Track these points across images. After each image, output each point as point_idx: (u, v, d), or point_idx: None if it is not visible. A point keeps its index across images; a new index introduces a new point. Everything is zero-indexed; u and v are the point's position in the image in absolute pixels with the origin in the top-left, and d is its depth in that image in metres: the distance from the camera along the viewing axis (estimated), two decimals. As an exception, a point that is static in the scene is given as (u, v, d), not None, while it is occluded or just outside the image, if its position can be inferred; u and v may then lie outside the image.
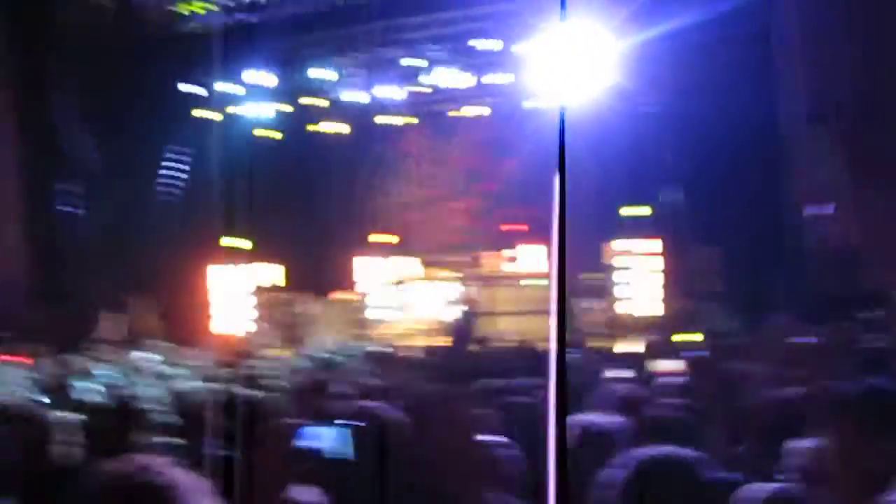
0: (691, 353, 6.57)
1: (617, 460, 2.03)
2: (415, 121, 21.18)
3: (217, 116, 19.91)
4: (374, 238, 21.17)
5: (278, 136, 20.63)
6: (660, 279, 17.36)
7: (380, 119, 20.81)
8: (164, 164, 18.87)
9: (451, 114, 20.93)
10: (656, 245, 17.40)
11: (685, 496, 1.89)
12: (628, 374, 6.73)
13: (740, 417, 4.94)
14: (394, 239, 21.47)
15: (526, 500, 2.47)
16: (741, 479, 2.65)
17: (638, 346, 11.52)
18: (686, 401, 4.14)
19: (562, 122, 1.89)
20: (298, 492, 3.03)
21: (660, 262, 17.36)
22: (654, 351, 9.65)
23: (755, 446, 3.46)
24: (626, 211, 17.36)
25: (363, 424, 2.70)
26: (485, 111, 20.51)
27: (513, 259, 19.78)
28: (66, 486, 1.83)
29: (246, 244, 19.16)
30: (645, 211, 16.97)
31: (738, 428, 4.73)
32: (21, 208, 17.54)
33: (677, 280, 16.93)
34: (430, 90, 19.66)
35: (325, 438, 3.07)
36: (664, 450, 2.02)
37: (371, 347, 12.24)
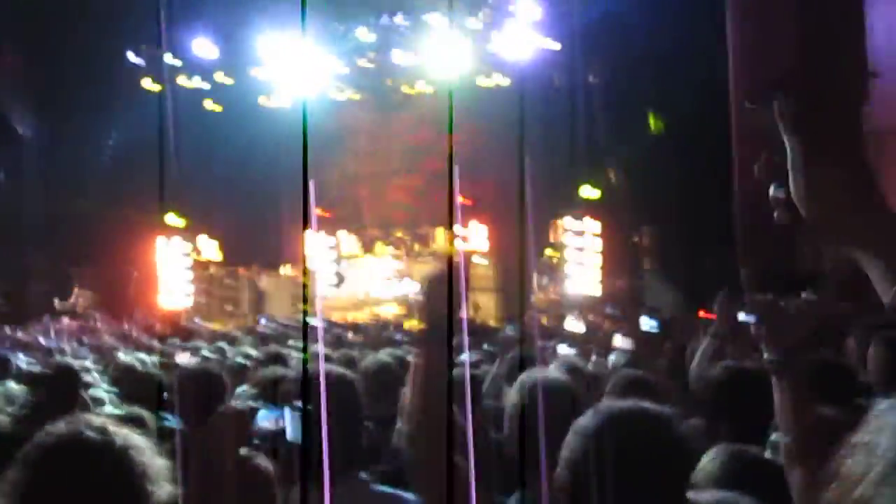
0: (638, 330, 6.63)
1: (588, 412, 2.03)
2: (359, 96, 21.03)
3: (160, 88, 19.60)
4: (319, 213, 21.03)
5: (220, 108, 20.36)
6: (601, 258, 17.51)
7: (324, 93, 20.61)
8: (106, 135, 18.52)
9: (396, 90, 20.81)
10: (598, 225, 17.55)
11: (659, 448, 1.91)
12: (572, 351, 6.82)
13: (685, 391, 5.04)
14: (339, 214, 21.38)
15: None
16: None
17: (580, 325, 11.65)
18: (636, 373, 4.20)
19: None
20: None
21: (602, 242, 17.51)
22: (598, 328, 9.78)
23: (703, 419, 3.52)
24: (572, 190, 17.46)
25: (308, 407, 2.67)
26: (430, 88, 20.42)
27: (465, 237, 19.80)
28: (15, 449, 1.79)
29: (188, 218, 18.95)
30: (591, 190, 17.08)
31: (685, 401, 4.82)
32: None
33: (620, 259, 17.11)
34: (375, 65, 19.54)
35: (278, 421, 3.04)
36: (635, 403, 2.04)
37: (313, 321, 12.16)
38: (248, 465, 2.88)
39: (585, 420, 2.03)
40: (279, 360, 5.92)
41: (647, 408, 2.03)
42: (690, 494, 1.92)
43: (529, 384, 2.83)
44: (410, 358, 6.09)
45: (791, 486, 2.24)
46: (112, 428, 1.80)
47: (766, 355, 2.40)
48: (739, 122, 14.67)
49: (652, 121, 15.26)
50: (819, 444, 2.17)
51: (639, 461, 1.90)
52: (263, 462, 2.94)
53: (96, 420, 1.83)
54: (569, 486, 1.97)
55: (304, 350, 7.28)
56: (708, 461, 2.67)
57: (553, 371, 3.02)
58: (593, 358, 5.80)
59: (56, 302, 17.19)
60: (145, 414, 3.84)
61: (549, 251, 18.27)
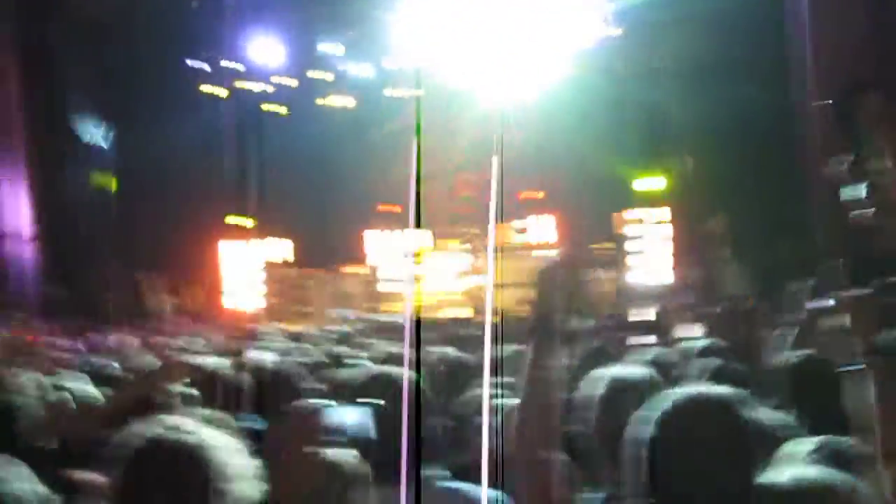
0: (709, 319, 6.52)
1: (649, 403, 2.00)
2: (422, 93, 21.04)
3: (223, 92, 19.90)
4: (384, 211, 21.14)
5: (284, 110, 20.59)
6: (671, 247, 17.28)
7: (384, 92, 20.71)
8: (171, 141, 18.82)
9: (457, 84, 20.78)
10: (667, 213, 17.32)
11: (723, 432, 1.86)
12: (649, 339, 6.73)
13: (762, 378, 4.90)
14: (403, 211, 21.42)
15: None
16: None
17: (650, 314, 11.52)
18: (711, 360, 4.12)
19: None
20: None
21: (671, 230, 17.28)
22: (669, 317, 9.64)
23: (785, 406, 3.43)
24: (637, 179, 17.27)
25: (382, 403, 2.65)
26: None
27: (524, 230, 19.72)
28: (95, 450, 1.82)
29: (254, 220, 19.20)
30: (656, 179, 16.88)
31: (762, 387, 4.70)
32: (31, 188, 17.58)
33: (689, 248, 16.87)
34: (434, 62, 19.53)
35: (350, 418, 3.03)
36: (699, 388, 1.99)
37: (384, 318, 12.26)
38: (323, 461, 2.87)
39: (650, 408, 2.00)
40: (350, 358, 5.94)
41: (710, 393, 1.98)
42: (768, 475, 1.86)
43: (608, 379, 2.79)
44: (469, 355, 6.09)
45: (883, 484, 2.18)
46: (188, 427, 1.81)
47: (857, 350, 2.34)
48: (816, 110, 14.37)
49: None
50: None
51: (701, 446, 1.86)
52: (340, 457, 2.94)
53: (171, 420, 1.84)
54: (636, 473, 1.96)
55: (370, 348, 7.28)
56: (792, 447, 2.58)
57: (631, 366, 2.96)
58: (669, 348, 5.71)
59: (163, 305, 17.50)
60: (224, 415, 3.86)
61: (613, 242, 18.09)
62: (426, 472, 2.75)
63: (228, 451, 1.79)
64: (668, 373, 3.77)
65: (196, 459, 1.73)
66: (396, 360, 5.04)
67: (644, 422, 1.96)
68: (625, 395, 2.63)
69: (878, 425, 2.21)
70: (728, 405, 1.93)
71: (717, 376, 3.93)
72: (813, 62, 14.23)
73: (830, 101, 13.78)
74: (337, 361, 6.02)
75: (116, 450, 1.78)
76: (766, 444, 1.91)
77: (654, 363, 3.80)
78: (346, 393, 4.01)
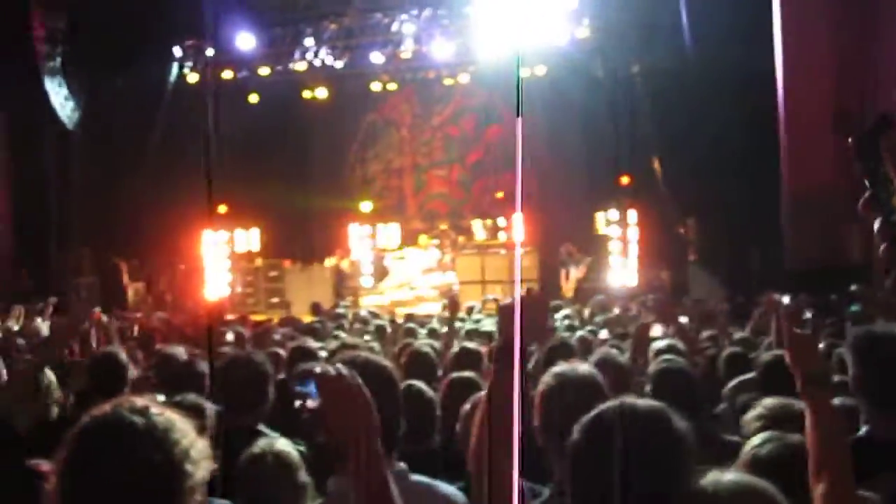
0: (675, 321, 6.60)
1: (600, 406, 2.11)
2: (398, 87, 21.08)
3: (201, 79, 19.82)
4: (362, 205, 21.16)
5: (257, 99, 20.50)
6: (640, 249, 17.42)
7: (363, 85, 20.71)
8: (151, 126, 18.74)
9: (435, 81, 20.85)
10: (637, 215, 17.45)
11: (645, 443, 1.98)
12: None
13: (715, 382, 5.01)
14: (378, 206, 21.46)
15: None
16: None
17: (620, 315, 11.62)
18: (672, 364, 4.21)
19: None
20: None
21: (641, 233, 17.41)
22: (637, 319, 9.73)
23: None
24: (612, 181, 17.39)
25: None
26: (468, 79, 20.42)
27: (500, 228, 19.80)
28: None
29: (230, 210, 19.14)
30: (628, 181, 17.01)
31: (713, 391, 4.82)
32: (5, 175, 17.50)
33: (657, 249, 17.01)
34: (413, 57, 19.56)
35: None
36: (627, 401, 2.11)
37: (362, 313, 12.30)
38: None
39: (591, 416, 2.12)
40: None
41: (638, 405, 2.10)
42: (710, 476, 1.95)
43: (555, 377, 2.87)
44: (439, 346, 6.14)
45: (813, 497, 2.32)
46: (154, 409, 1.86)
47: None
48: (789, 120, 14.60)
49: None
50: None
51: (630, 456, 1.97)
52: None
53: (139, 401, 1.88)
54: (570, 479, 2.08)
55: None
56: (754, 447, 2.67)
57: (581, 364, 3.03)
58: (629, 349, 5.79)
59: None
60: (193, 399, 3.89)
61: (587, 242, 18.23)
62: (388, 465, 2.81)
63: (185, 432, 1.82)
64: (620, 375, 3.85)
65: (150, 439, 1.76)
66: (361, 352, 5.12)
67: (579, 429, 2.08)
68: (565, 393, 2.72)
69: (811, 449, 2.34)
70: (653, 416, 2.02)
71: (671, 379, 4.03)
72: (783, 79, 14.49)
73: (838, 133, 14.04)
74: (303, 353, 6.05)
75: (74, 431, 1.81)
76: (690, 454, 2.00)
77: (604, 363, 3.88)
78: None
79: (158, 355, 6.12)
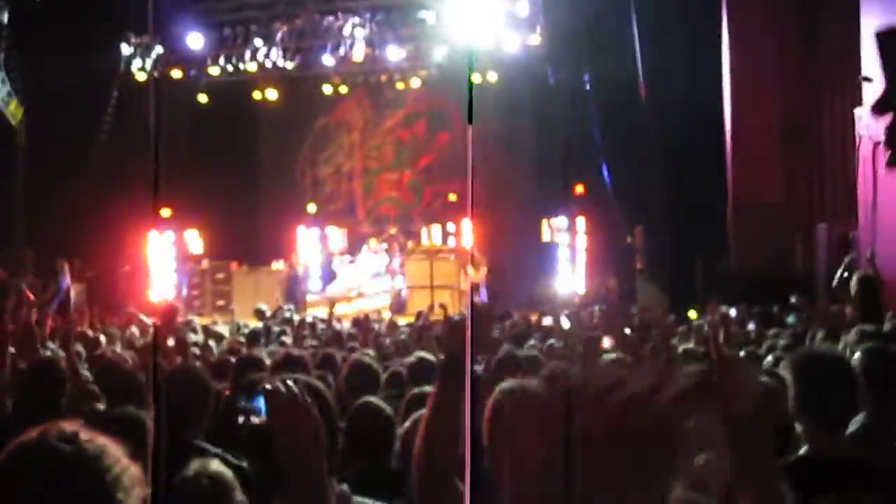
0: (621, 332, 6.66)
1: None
2: (349, 90, 21.00)
3: (148, 79, 19.56)
4: (308, 208, 21.04)
5: (207, 99, 20.31)
6: (587, 256, 17.55)
7: (315, 87, 20.60)
8: (97, 124, 18.46)
9: (387, 85, 20.79)
10: (585, 223, 17.59)
11: None
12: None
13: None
14: (327, 209, 21.36)
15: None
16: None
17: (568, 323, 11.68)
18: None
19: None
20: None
21: (588, 240, 17.55)
22: (585, 326, 9.80)
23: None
24: (561, 188, 17.49)
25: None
26: (420, 83, 20.42)
27: (449, 234, 19.79)
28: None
29: (177, 211, 18.92)
30: (578, 189, 17.13)
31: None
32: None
33: (605, 258, 17.14)
34: (365, 60, 19.49)
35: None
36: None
37: (307, 317, 12.22)
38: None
39: None
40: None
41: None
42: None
43: (499, 394, 2.86)
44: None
45: None
46: (83, 436, 1.80)
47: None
48: (734, 131, 14.84)
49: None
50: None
51: None
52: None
53: (69, 427, 1.82)
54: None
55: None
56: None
57: (529, 381, 3.02)
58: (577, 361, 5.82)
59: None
60: (132, 412, 3.82)
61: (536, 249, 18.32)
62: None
63: (117, 459, 1.77)
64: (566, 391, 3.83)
65: (79, 468, 1.71)
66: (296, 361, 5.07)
67: None
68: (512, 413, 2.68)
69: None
70: None
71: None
72: (731, 91, 14.73)
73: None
74: (250, 363, 5.98)
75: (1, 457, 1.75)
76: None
77: (554, 379, 3.86)
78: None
79: (102, 362, 6.02)
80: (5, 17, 17.13)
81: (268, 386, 2.06)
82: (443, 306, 10.89)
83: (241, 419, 3.21)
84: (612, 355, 5.73)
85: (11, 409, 4.90)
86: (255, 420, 2.88)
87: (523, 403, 2.77)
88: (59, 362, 5.04)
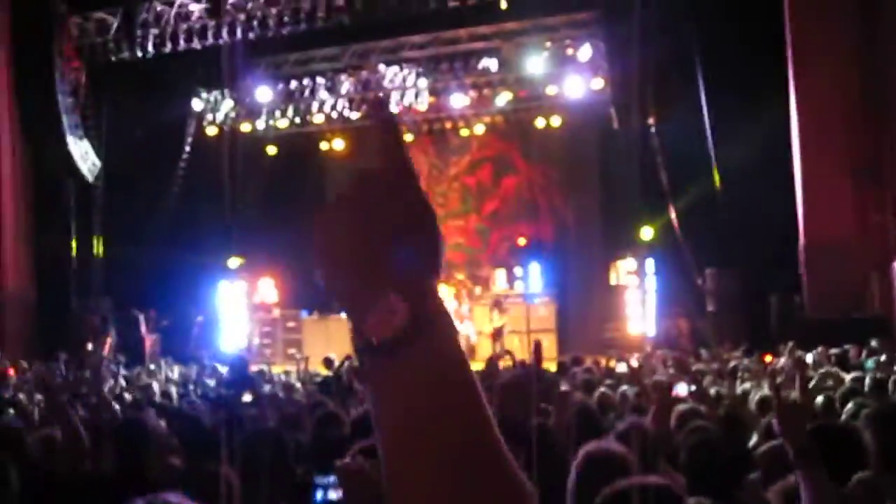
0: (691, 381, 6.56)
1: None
2: (414, 138, 21.24)
3: (216, 131, 20.06)
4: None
5: (275, 151, 20.78)
6: (658, 298, 17.35)
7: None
8: (170, 178, 18.94)
9: (452, 132, 21.00)
10: (653, 265, 17.41)
11: None
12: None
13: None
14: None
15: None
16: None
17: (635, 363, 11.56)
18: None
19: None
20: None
21: (658, 283, 17.35)
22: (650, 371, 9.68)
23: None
24: (628, 231, 17.38)
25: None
26: (484, 129, 20.59)
27: (517, 278, 19.71)
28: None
29: (247, 261, 19.25)
30: (648, 231, 17.00)
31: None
32: (30, 227, 17.73)
33: (675, 300, 16.93)
34: (429, 108, 19.75)
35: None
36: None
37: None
38: None
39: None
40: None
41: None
42: None
43: (583, 458, 2.85)
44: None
45: None
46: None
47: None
48: (804, 170, 14.65)
49: (716, 175, 15.25)
50: None
51: None
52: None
53: (173, 499, 1.90)
54: None
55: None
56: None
57: (609, 441, 3.01)
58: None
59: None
60: (212, 470, 3.87)
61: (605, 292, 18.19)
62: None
63: None
64: (647, 446, 3.76)
65: None
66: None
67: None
68: (600, 474, 2.68)
69: None
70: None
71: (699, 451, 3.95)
72: (799, 132, 14.57)
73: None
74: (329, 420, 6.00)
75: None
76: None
77: (632, 436, 3.81)
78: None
79: (180, 417, 6.13)
80: (83, 78, 17.75)
81: (339, 463, 2.10)
82: (510, 353, 10.84)
83: (318, 495, 3.24)
84: (686, 406, 5.62)
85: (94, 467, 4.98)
86: (332, 496, 2.93)
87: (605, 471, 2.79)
88: (146, 421, 5.11)
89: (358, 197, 0.89)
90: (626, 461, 2.86)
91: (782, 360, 9.48)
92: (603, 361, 12.41)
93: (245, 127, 20.15)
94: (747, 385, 7.77)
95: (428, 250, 0.88)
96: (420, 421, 0.86)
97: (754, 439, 4.86)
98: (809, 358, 9.40)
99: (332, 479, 2.53)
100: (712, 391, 7.20)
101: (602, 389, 7.77)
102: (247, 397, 6.71)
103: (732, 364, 10.01)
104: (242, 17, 17.56)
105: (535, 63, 18.11)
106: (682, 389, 6.64)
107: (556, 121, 19.12)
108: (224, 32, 17.68)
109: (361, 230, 0.85)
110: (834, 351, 10.00)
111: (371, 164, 0.90)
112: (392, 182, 0.92)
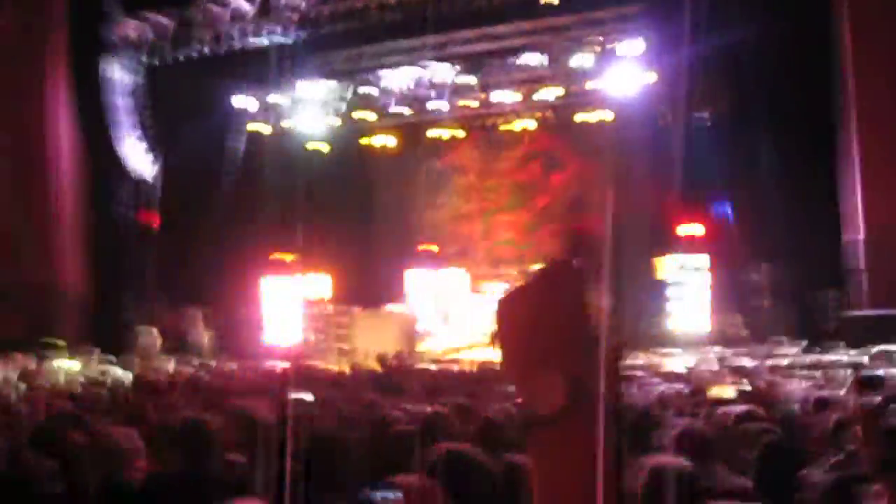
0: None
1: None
2: (464, 134, 21.29)
3: (269, 129, 20.28)
4: (424, 251, 21.25)
5: (328, 148, 20.97)
6: (708, 294, 17.18)
7: (430, 132, 20.99)
8: (216, 176, 19.16)
9: (501, 128, 21.00)
10: (706, 260, 17.24)
11: None
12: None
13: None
14: (444, 252, 21.52)
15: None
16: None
17: (688, 362, 11.50)
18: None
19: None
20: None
21: (709, 278, 17.19)
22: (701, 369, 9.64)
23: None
24: (678, 226, 17.24)
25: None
26: (534, 124, 20.57)
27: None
28: None
29: (297, 256, 19.41)
30: (697, 227, 16.85)
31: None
32: (82, 222, 18.01)
33: (726, 295, 16.77)
34: (479, 104, 19.79)
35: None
36: None
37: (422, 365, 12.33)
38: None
39: None
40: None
41: None
42: None
43: (649, 471, 2.85)
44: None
45: None
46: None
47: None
48: (863, 168, 14.38)
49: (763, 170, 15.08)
50: None
51: None
52: None
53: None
54: None
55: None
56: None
57: (669, 457, 3.01)
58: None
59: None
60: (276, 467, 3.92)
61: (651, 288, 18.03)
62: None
63: None
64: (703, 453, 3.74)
65: None
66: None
67: None
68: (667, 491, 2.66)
69: None
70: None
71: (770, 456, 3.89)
72: (857, 126, 14.30)
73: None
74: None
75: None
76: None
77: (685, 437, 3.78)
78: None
79: (235, 416, 6.17)
80: (141, 79, 18.05)
81: (400, 479, 2.12)
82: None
83: (374, 495, 3.29)
84: (741, 408, 5.55)
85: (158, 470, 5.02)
86: (388, 495, 2.96)
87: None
88: (206, 423, 5.11)
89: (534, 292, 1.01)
90: (691, 475, 2.87)
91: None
92: (654, 358, 12.37)
93: (297, 124, 20.36)
94: (804, 384, 7.71)
95: (588, 345, 1.00)
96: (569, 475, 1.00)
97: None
98: (865, 359, 9.27)
99: (388, 494, 2.56)
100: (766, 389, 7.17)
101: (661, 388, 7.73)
102: (305, 395, 6.78)
103: (788, 361, 9.94)
104: (294, 15, 17.73)
105: (584, 58, 18.08)
106: (729, 392, 6.60)
107: (604, 115, 19.04)
108: (277, 30, 17.88)
109: (536, 321, 0.95)
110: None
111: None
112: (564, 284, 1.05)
